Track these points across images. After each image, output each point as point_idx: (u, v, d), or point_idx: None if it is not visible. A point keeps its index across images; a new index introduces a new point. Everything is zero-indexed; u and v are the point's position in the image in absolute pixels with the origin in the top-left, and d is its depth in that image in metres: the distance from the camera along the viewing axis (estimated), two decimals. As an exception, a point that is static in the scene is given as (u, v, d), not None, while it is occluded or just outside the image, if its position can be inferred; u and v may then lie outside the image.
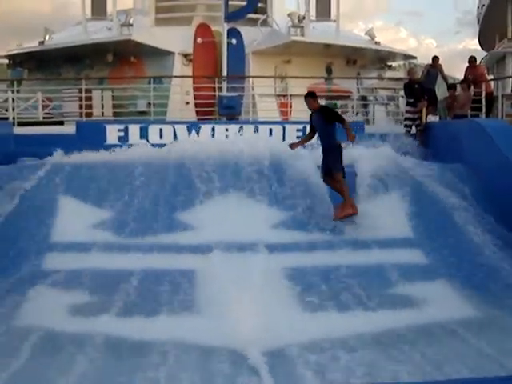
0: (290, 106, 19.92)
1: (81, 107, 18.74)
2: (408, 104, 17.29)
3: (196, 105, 19.68)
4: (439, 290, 10.28)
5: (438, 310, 9.45)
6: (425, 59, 22.29)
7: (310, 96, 12.97)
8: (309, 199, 13.00)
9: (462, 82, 17.81)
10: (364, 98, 22.20)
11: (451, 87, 17.65)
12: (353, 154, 13.79)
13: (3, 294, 9.93)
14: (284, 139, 16.37)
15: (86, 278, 10.50)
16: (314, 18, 23.21)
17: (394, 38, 79.65)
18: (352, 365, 7.63)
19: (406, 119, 17.33)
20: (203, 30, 20.72)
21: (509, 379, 6.23)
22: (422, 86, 17.25)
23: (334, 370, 7.51)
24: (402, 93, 20.38)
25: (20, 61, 24.39)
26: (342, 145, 12.67)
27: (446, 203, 12.90)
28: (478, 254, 11.54)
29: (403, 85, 17.93)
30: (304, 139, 13.60)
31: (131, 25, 20.49)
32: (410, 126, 17.08)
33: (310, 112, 13.09)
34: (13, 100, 18.42)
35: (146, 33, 20.95)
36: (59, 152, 14.29)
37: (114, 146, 15.42)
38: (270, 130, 16.72)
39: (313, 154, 13.65)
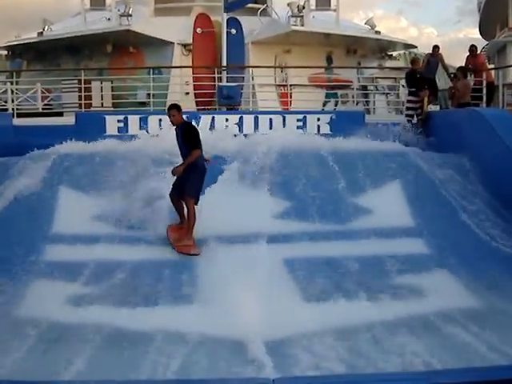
0: (290, 96, 19.83)
1: (80, 98, 18.69)
2: (410, 93, 17.26)
3: (196, 95, 19.60)
4: (441, 279, 10.28)
5: (440, 299, 9.45)
6: (426, 48, 22.21)
7: (176, 108, 11.49)
8: (311, 189, 12.93)
9: (459, 69, 17.73)
10: (364, 88, 22.14)
11: (454, 77, 17.60)
12: (353, 144, 13.77)
13: (5, 284, 9.94)
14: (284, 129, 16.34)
15: (88, 269, 10.51)
16: (313, 7, 23.02)
17: (394, 27, 79.34)
18: (353, 355, 7.65)
19: (407, 108, 17.30)
20: (203, 19, 20.62)
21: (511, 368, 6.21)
22: (422, 75, 17.23)
23: (335, 359, 7.52)
24: (402, 82, 20.35)
25: (19, 52, 24.27)
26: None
27: (447, 192, 12.88)
28: (480, 243, 11.53)
29: (405, 74, 17.88)
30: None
31: (130, 15, 20.35)
32: (412, 116, 17.06)
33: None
34: (12, 91, 18.35)
35: (146, 23, 20.85)
36: (60, 143, 14.27)
37: (114, 136, 15.39)
38: (270, 120, 16.65)
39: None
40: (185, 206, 11.33)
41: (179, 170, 11.09)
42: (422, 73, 17.47)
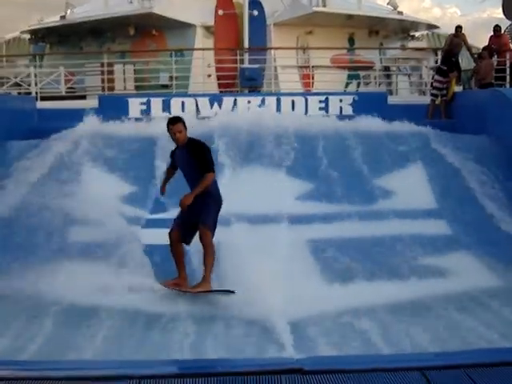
0: (313, 78, 19.79)
1: (103, 81, 18.79)
2: (438, 73, 17.13)
3: (218, 77, 19.60)
4: (464, 260, 10.29)
5: (463, 279, 9.49)
6: (448, 28, 21.99)
7: (183, 122, 9.15)
8: (333, 170, 12.93)
9: (484, 49, 17.63)
10: (387, 69, 22.05)
11: (480, 57, 17.50)
12: (376, 126, 13.76)
13: (27, 268, 10.01)
14: (306, 111, 16.32)
15: (109, 251, 10.55)
16: (335, -12, 22.97)
17: (417, 7, 78.41)
18: (375, 334, 7.70)
19: (433, 87, 17.17)
20: (224, 1, 20.55)
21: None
22: (457, 59, 17.18)
23: (357, 339, 7.56)
24: (425, 63, 20.27)
25: (42, 36, 24.38)
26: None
27: (469, 174, 12.84)
28: (501, 224, 11.51)
29: (444, 52, 17.70)
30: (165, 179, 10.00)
31: (152, -3, 20.43)
32: (436, 96, 16.97)
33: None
34: (35, 75, 18.48)
35: (167, 5, 20.82)
36: (86, 125, 14.34)
37: (137, 119, 15.45)
38: (293, 102, 16.64)
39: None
40: (201, 241, 9.05)
41: (189, 200, 8.80)
42: (446, 52, 17.41)
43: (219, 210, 9.13)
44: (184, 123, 9.06)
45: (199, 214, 8.91)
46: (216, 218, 9.06)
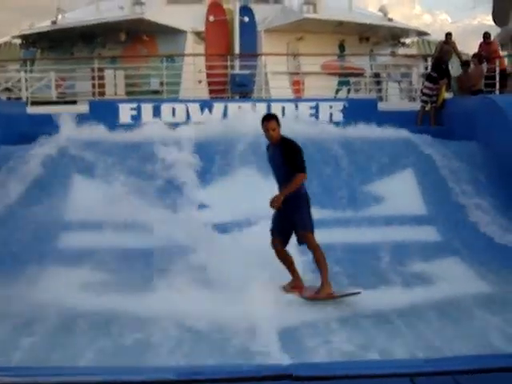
0: (303, 84, 19.86)
1: (94, 86, 18.80)
2: (428, 79, 17.19)
3: (208, 83, 19.65)
4: (452, 266, 10.30)
5: (452, 286, 9.48)
6: (439, 35, 22.12)
7: (276, 120, 9.09)
8: (324, 175, 12.95)
9: (474, 56, 17.72)
10: (377, 75, 22.13)
11: (465, 64, 17.58)
12: (366, 132, 13.79)
13: (19, 271, 10.00)
14: (296, 117, 16.36)
15: (101, 256, 10.57)
16: (326, -6, 23.04)
17: (408, 13, 78.70)
18: (364, 341, 7.66)
19: (424, 94, 17.22)
20: (215, 7, 20.63)
21: None
22: (447, 67, 17.25)
23: (347, 347, 7.54)
24: (415, 70, 20.36)
25: (33, 41, 24.36)
26: None
27: (459, 181, 12.86)
28: (491, 231, 11.53)
29: (435, 59, 17.77)
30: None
31: (143, 3, 20.43)
32: (426, 102, 17.04)
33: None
34: (26, 80, 18.47)
35: (159, 11, 20.87)
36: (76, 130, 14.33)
37: (127, 125, 15.44)
38: (283, 108, 16.67)
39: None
40: (308, 245, 9.14)
41: (279, 201, 8.88)
42: (437, 59, 17.49)
43: (310, 210, 9.09)
44: (278, 121, 9.04)
45: (294, 219, 9.00)
46: (311, 218, 9.03)
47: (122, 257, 10.55)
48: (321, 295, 8.93)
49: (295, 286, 9.33)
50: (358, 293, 8.79)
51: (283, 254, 9.36)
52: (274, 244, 9.33)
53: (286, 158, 8.91)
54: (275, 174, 9.26)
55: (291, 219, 9.03)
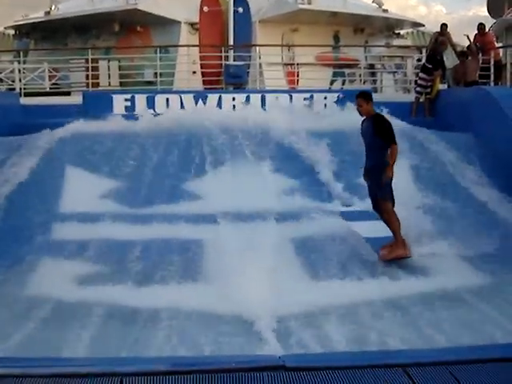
0: (297, 75, 19.82)
1: (87, 77, 18.74)
2: (423, 70, 17.14)
3: (203, 74, 19.62)
4: (447, 257, 10.27)
5: (446, 277, 9.46)
6: (434, 27, 22.08)
7: (363, 97, 10.32)
8: (319, 168, 12.94)
9: (468, 47, 17.69)
10: (372, 67, 22.09)
11: (462, 55, 17.55)
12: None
13: (13, 264, 9.99)
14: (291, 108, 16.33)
15: (95, 248, 10.55)
16: (321, -15, 22.99)
17: (404, 4, 78.61)
18: (359, 332, 7.67)
19: (419, 85, 17.18)
20: (209, -2, 20.59)
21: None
22: (442, 58, 17.19)
23: (341, 338, 7.54)
24: (409, 61, 20.32)
25: (26, 31, 24.29)
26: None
27: (454, 171, 12.88)
28: (486, 221, 11.52)
29: (430, 49, 17.67)
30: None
31: (137, -6, 20.39)
32: (421, 94, 17.01)
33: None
34: (19, 71, 18.41)
35: (152, 2, 20.78)
36: (69, 122, 14.31)
37: (121, 115, 15.40)
38: (277, 99, 16.64)
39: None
40: (382, 212, 10.28)
41: (390, 173, 9.96)
42: (432, 50, 17.44)
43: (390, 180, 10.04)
44: (366, 98, 10.23)
45: (374, 188, 10.22)
46: (390, 185, 10.04)
47: (117, 249, 10.52)
48: (391, 255, 10.07)
49: (395, 245, 10.18)
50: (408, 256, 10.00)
51: (380, 213, 10.38)
52: (374, 207, 10.51)
53: (376, 130, 9.98)
54: (366, 145, 10.30)
55: (372, 186, 10.32)
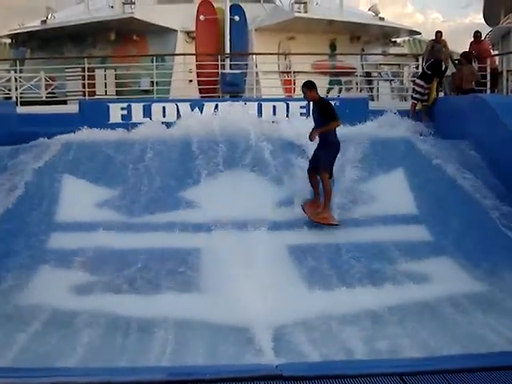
0: (294, 83, 19.80)
1: (84, 86, 18.72)
2: (422, 77, 17.11)
3: (199, 82, 19.59)
4: (444, 265, 10.28)
5: (443, 285, 9.49)
6: (430, 34, 22.07)
7: (306, 86, 12.07)
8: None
9: (462, 55, 17.66)
10: (368, 75, 22.12)
11: (460, 62, 17.55)
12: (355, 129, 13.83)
13: (10, 272, 9.97)
14: (287, 116, 16.35)
15: (92, 257, 10.53)
16: (317, -7, 23.05)
17: (400, 12, 78.68)
18: (355, 341, 7.67)
19: (416, 92, 17.14)
20: (205, 6, 20.55)
21: (510, 354, 6.24)
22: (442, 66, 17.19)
23: (338, 346, 7.55)
24: (406, 69, 20.34)
25: (22, 40, 24.30)
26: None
27: (450, 179, 12.84)
28: (483, 229, 11.51)
29: (432, 57, 17.60)
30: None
31: (133, 3, 20.38)
32: (418, 100, 16.99)
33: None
34: (15, 79, 18.40)
35: (149, 11, 20.81)
36: (66, 131, 14.34)
37: (118, 125, 15.42)
38: (274, 108, 16.66)
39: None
40: (319, 179, 11.78)
41: (313, 135, 11.74)
42: (427, 59, 17.44)
43: (336, 154, 11.85)
44: (309, 86, 11.99)
45: (319, 157, 11.73)
46: (332, 160, 11.78)
47: (113, 258, 10.51)
48: (316, 218, 11.56)
49: (312, 203, 11.93)
50: (337, 224, 11.44)
51: (313, 177, 11.89)
52: (308, 170, 11.95)
53: (320, 111, 11.81)
54: (314, 123, 11.97)
55: (317, 155, 11.81)
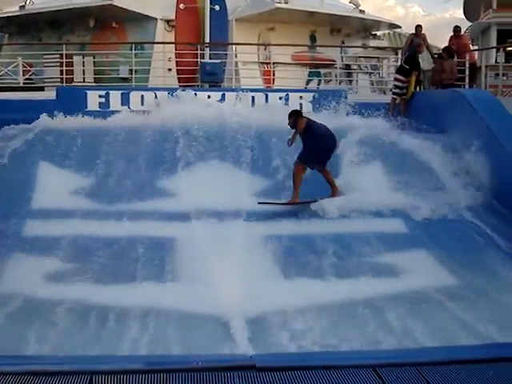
0: (273, 74, 19.78)
1: (61, 73, 18.58)
2: (400, 72, 17.13)
3: (178, 71, 19.51)
4: (420, 258, 10.30)
5: (418, 278, 9.49)
6: (411, 28, 22.16)
7: (297, 115, 12.41)
8: (289, 168, 12.92)
9: (443, 50, 17.74)
10: (348, 67, 22.13)
11: (440, 57, 17.60)
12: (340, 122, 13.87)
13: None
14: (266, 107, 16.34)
15: (66, 245, 10.46)
16: (298, -16, 23.00)
17: (381, 5, 78.89)
18: (330, 332, 7.67)
19: (396, 87, 17.15)
20: (186, -5, 20.47)
21: (484, 348, 6.27)
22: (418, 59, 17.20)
23: (313, 337, 7.53)
24: (385, 62, 20.37)
25: (0, 26, 24.06)
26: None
27: (428, 172, 12.90)
28: (460, 223, 11.57)
29: (410, 51, 17.61)
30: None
31: (113, -11, 20.26)
32: (398, 95, 17.01)
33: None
34: (-8, 65, 18.24)
35: (129, -2, 20.70)
36: (43, 117, 14.25)
37: (95, 112, 15.33)
38: (253, 98, 16.63)
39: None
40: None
41: (290, 141, 12.27)
42: (405, 53, 17.47)
43: (322, 148, 12.18)
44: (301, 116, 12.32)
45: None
46: (312, 157, 12.14)
47: (89, 246, 10.45)
48: (287, 202, 12.02)
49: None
50: (315, 201, 11.82)
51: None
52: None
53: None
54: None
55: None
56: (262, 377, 4.67)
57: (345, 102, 16.38)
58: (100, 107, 16.08)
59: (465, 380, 4.64)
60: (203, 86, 18.38)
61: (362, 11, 23.80)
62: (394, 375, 4.67)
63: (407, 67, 16.92)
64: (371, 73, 22.57)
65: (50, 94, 16.77)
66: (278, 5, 20.63)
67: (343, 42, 23.64)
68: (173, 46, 19.94)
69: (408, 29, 25.42)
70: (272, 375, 4.70)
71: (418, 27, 18.54)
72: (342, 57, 21.58)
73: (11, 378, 4.64)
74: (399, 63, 18.25)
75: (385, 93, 20.08)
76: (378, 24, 25.22)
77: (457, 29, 19.41)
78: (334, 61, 21.10)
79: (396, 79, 17.21)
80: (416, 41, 18.12)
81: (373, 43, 25.32)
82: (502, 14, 27.05)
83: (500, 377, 4.74)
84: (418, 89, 17.33)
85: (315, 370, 4.77)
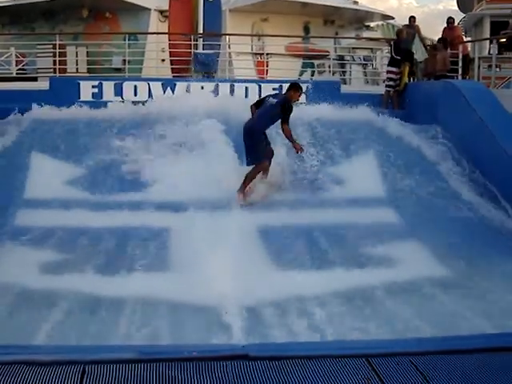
0: (267, 65, 19.75)
1: (54, 63, 18.52)
2: (391, 64, 17.15)
3: (171, 62, 19.48)
4: (411, 249, 10.32)
5: (409, 268, 9.50)
6: (404, 19, 22.18)
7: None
8: (283, 158, 12.93)
9: (439, 41, 17.77)
10: (341, 58, 22.12)
11: (433, 48, 17.62)
12: (328, 112, 13.80)
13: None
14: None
15: (59, 236, 10.44)
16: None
17: (375, -4, 78.91)
18: (323, 322, 7.67)
19: (389, 79, 17.18)
20: (179, -14, 20.44)
21: (476, 338, 6.29)
22: (407, 48, 17.19)
23: (306, 327, 7.55)
24: (379, 53, 20.36)
25: (-7, 15, 23.98)
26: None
27: (420, 163, 12.94)
28: (451, 213, 11.60)
29: (392, 43, 17.68)
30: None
31: (106, -21, 20.21)
32: (392, 87, 17.03)
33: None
34: (-15, 55, 18.18)
35: (122, -12, 20.63)
36: (34, 108, 14.22)
37: (88, 102, 15.29)
38: (246, 89, 16.61)
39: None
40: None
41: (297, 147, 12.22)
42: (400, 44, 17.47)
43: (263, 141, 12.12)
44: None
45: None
46: (264, 148, 12.08)
47: (80, 236, 10.44)
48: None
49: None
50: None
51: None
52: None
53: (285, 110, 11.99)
54: (265, 115, 12.07)
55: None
56: (255, 366, 4.68)
57: (338, 93, 16.38)
58: (93, 97, 16.03)
59: (458, 370, 4.66)
60: (197, 77, 18.31)
61: (355, 2, 23.81)
62: (386, 365, 4.69)
63: (398, 58, 16.94)
64: (365, 64, 22.55)
65: (43, 85, 16.71)
66: (272, -5, 20.61)
67: (337, 33, 23.63)
68: (166, 36, 19.91)
69: (402, 20, 25.42)
70: (265, 365, 4.71)
71: (411, 18, 18.57)
72: (335, 48, 21.58)
73: (3, 368, 4.64)
74: (391, 55, 18.25)
75: (378, 84, 20.07)
76: (371, 15, 25.22)
77: (450, 20, 19.44)
78: (328, 52, 21.10)
79: (388, 71, 17.23)
80: (407, 31, 18.12)
81: (366, 34, 25.31)
82: (496, 6, 27.04)
83: (489, 366, 4.76)
84: (411, 80, 17.37)
85: (309, 360, 4.78)
